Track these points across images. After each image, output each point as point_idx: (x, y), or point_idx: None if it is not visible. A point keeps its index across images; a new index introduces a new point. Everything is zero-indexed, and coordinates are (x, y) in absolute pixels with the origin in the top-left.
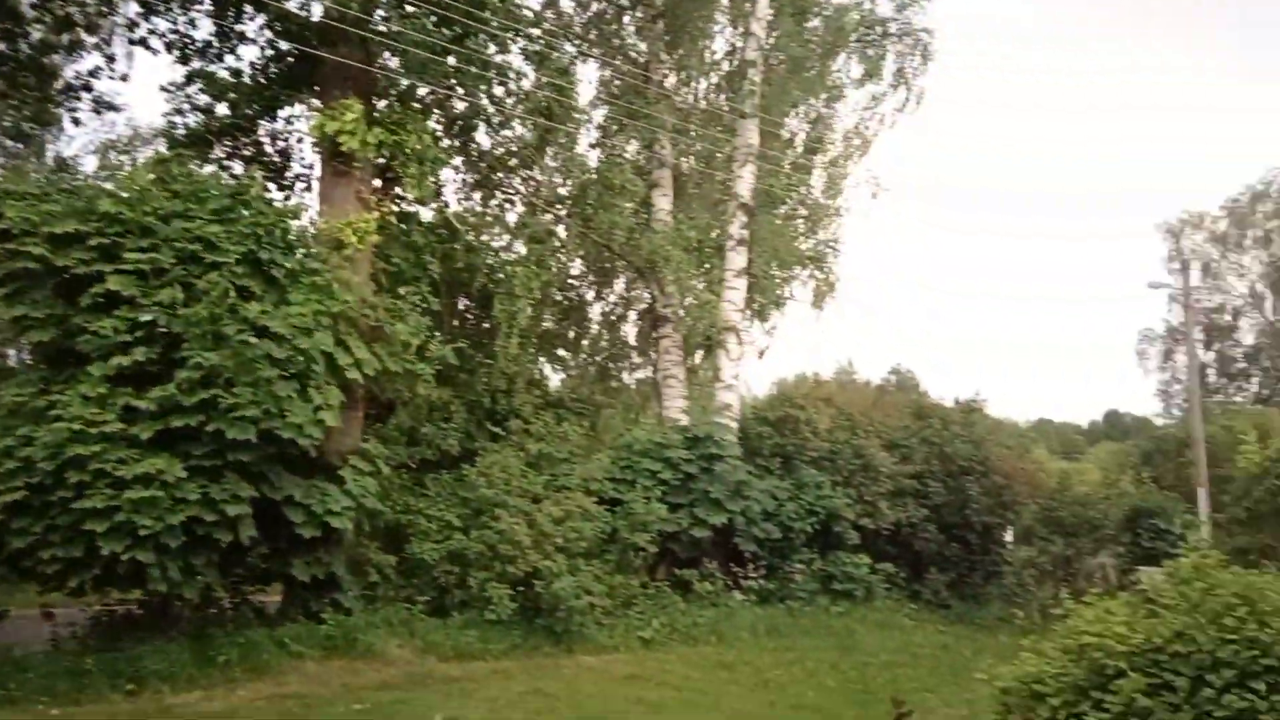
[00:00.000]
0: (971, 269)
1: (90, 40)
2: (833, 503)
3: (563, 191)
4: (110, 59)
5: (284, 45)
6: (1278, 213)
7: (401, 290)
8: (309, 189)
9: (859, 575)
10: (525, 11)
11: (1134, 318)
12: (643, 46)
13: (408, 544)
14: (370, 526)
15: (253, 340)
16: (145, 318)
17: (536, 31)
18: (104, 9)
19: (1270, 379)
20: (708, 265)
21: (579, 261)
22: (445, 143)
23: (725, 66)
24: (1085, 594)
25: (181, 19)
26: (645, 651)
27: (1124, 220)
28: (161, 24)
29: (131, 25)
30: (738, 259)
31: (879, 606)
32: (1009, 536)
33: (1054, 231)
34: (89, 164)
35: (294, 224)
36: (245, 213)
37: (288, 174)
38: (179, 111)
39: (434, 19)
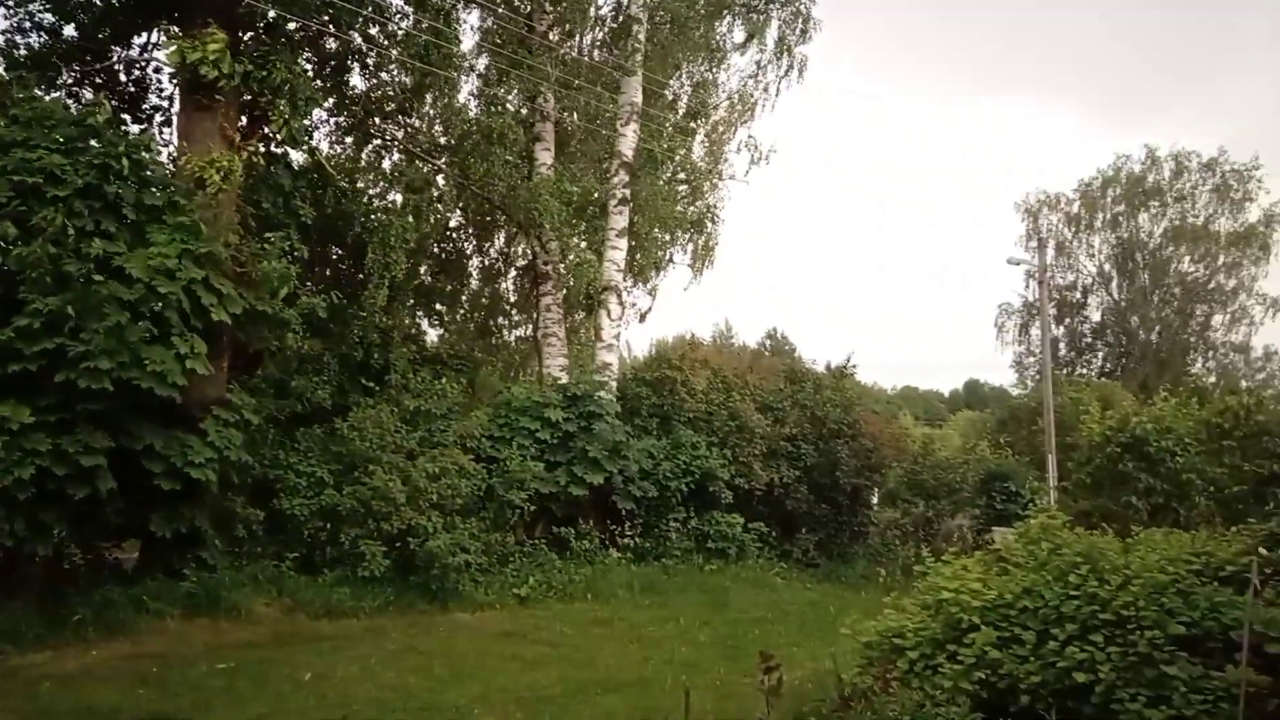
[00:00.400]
0: (848, 240)
1: None
2: (708, 463)
3: (442, 141)
4: None
5: None
6: (1124, 197)
7: (269, 235)
8: (168, 124)
9: (732, 534)
10: None
11: (995, 293)
12: None
13: (276, 499)
14: (236, 480)
15: (99, 280)
16: None
17: None
18: None
19: (1114, 354)
20: (590, 224)
21: (458, 214)
22: (317, 83)
23: (610, 23)
24: (944, 553)
25: None
26: (521, 608)
27: (991, 199)
28: None
29: None
30: (620, 218)
31: (751, 565)
32: (875, 498)
33: (925, 206)
34: None
35: (149, 158)
36: (94, 144)
37: (144, 106)
38: (20, 29)
39: None
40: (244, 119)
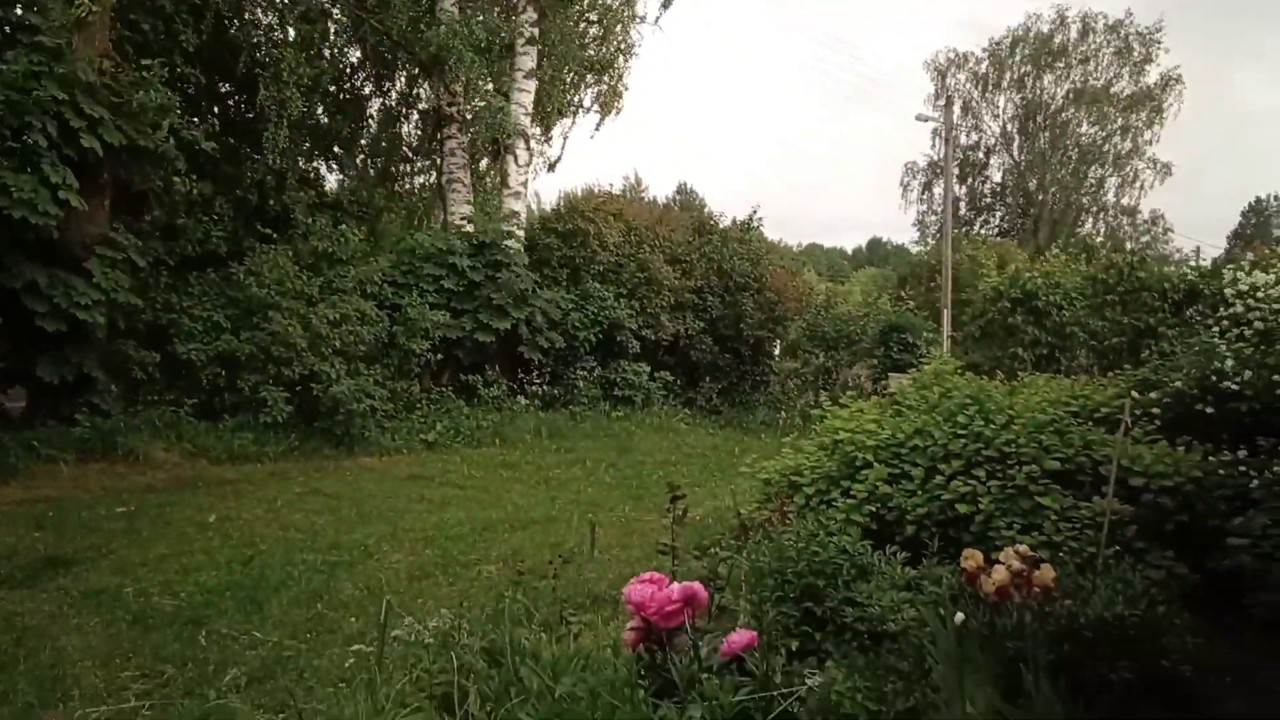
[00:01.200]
0: (760, 95)
1: None
2: (616, 314)
3: None
4: None
5: None
6: (1031, 58)
7: (147, 62)
8: None
9: (639, 383)
10: None
11: (904, 154)
12: None
13: (171, 344)
14: (124, 326)
15: None
16: None
17: None
18: None
19: (1012, 214)
20: (496, 64)
21: (356, 52)
22: None
23: None
24: (841, 400)
25: None
26: (428, 453)
27: (904, 56)
28: None
29: None
30: (527, 59)
31: (656, 412)
32: (777, 350)
33: (841, 64)
34: None
35: None
36: None
37: None
38: None
39: None
40: None
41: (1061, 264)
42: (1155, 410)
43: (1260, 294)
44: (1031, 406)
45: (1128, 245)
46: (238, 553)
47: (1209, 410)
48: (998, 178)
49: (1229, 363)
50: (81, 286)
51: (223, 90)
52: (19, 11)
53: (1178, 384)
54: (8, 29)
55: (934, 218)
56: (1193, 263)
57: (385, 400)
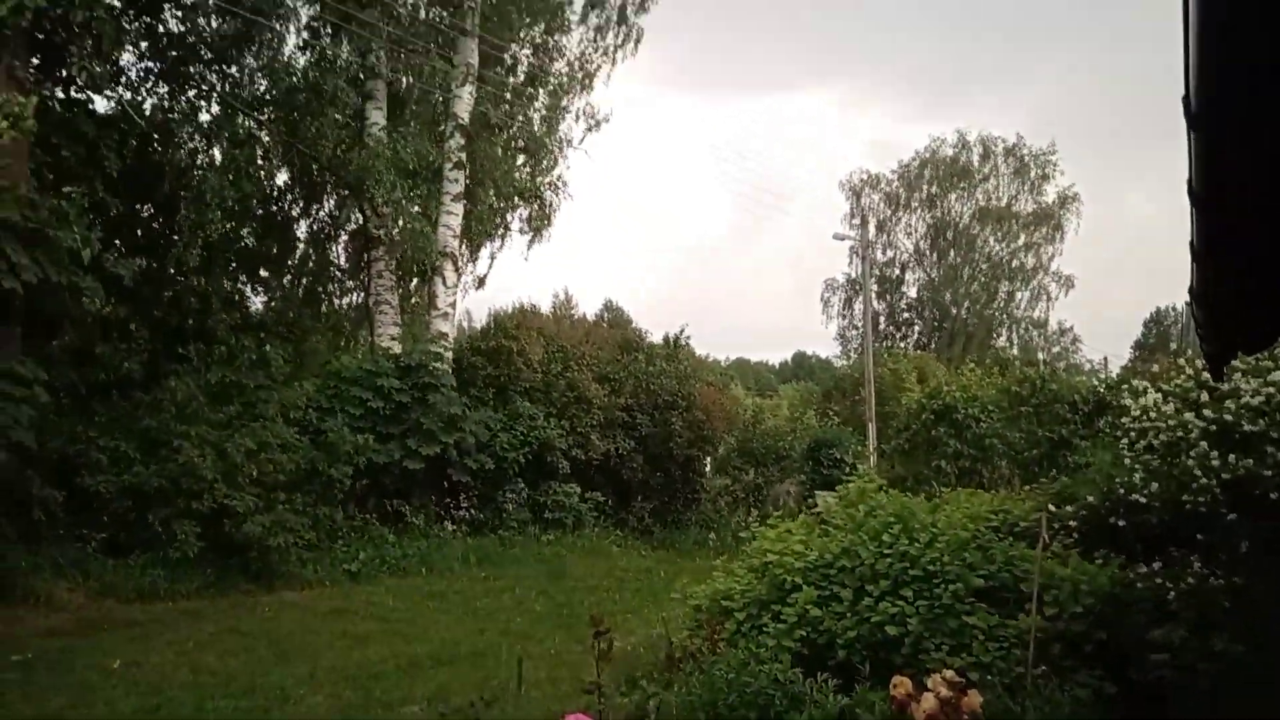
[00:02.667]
0: (684, 215)
1: None
2: (546, 434)
3: (266, 94)
4: None
5: None
6: (938, 178)
7: (68, 189)
8: None
9: (570, 504)
10: None
11: (824, 270)
12: None
13: (78, 476)
14: (28, 460)
15: None
16: None
17: None
18: None
19: (929, 328)
20: (424, 188)
21: (284, 174)
22: (126, 23)
23: None
24: (770, 518)
25: None
26: (352, 585)
27: (821, 181)
28: None
29: None
30: (455, 184)
31: (588, 534)
32: (708, 467)
33: (757, 187)
34: None
35: None
36: None
37: None
38: None
39: None
40: (38, 58)
41: (978, 378)
42: (1072, 523)
43: (1155, 412)
44: (954, 523)
45: (1040, 356)
46: (144, 701)
47: (1121, 523)
48: (914, 293)
49: (1137, 475)
50: None
51: (144, 212)
52: None
53: (1090, 497)
54: None
55: (855, 332)
56: (1101, 374)
57: (306, 530)
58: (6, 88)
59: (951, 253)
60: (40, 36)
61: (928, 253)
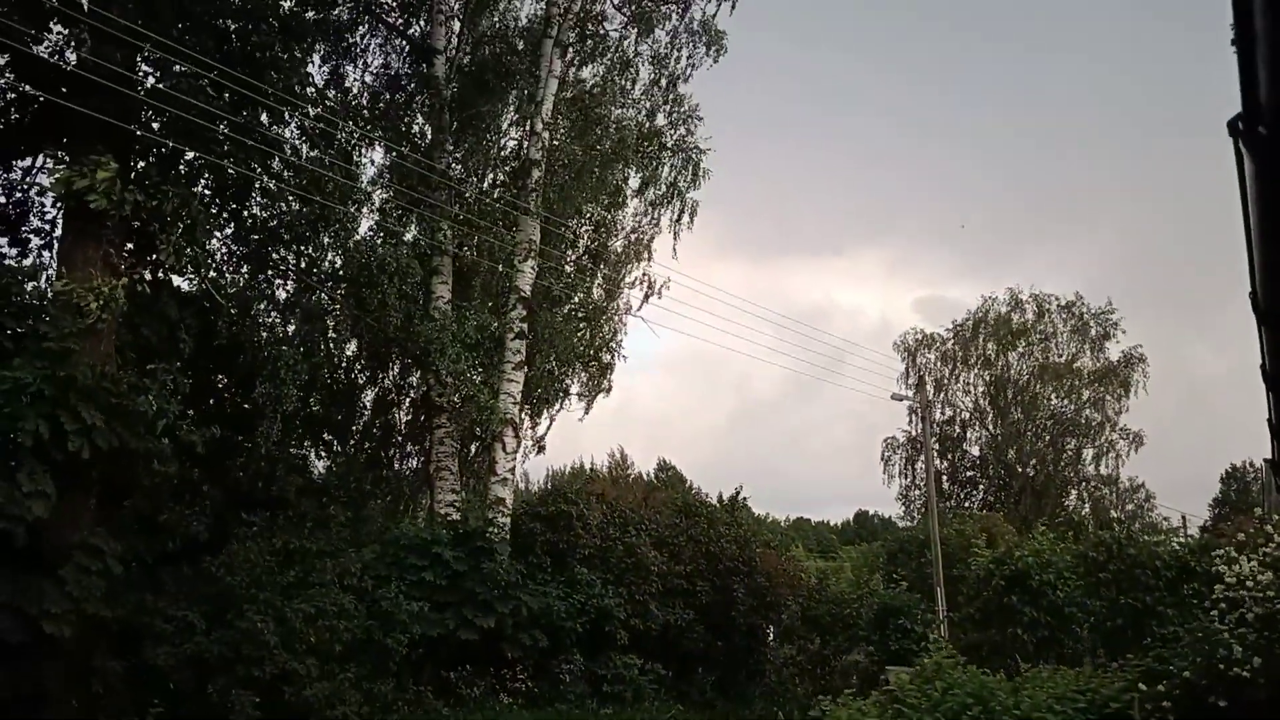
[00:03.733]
0: (740, 371)
1: None
2: (604, 603)
3: (339, 271)
4: None
5: (28, 89)
6: (994, 337)
7: (149, 367)
8: (48, 248)
9: (628, 676)
10: (308, 89)
11: (882, 426)
12: (429, 133)
13: (141, 647)
14: (95, 629)
15: None
16: None
17: (316, 111)
18: None
19: (995, 487)
20: (486, 357)
21: (352, 345)
22: (214, 210)
23: (510, 163)
24: (840, 692)
25: None
26: None
27: (872, 338)
28: None
29: None
30: (516, 351)
31: (647, 708)
32: (771, 635)
33: (813, 346)
34: None
35: (29, 287)
36: None
37: (23, 229)
38: None
39: (206, 82)
40: (131, 244)
41: (1050, 541)
42: (1166, 703)
43: (1251, 582)
44: (1039, 704)
45: (1112, 513)
46: None
47: (1222, 702)
48: (976, 451)
49: (1236, 649)
50: (53, 595)
51: (219, 383)
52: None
53: (1186, 673)
54: (17, 331)
55: (918, 492)
56: (1181, 536)
57: (359, 704)
58: (101, 272)
59: (1013, 410)
60: (135, 224)
61: (988, 410)
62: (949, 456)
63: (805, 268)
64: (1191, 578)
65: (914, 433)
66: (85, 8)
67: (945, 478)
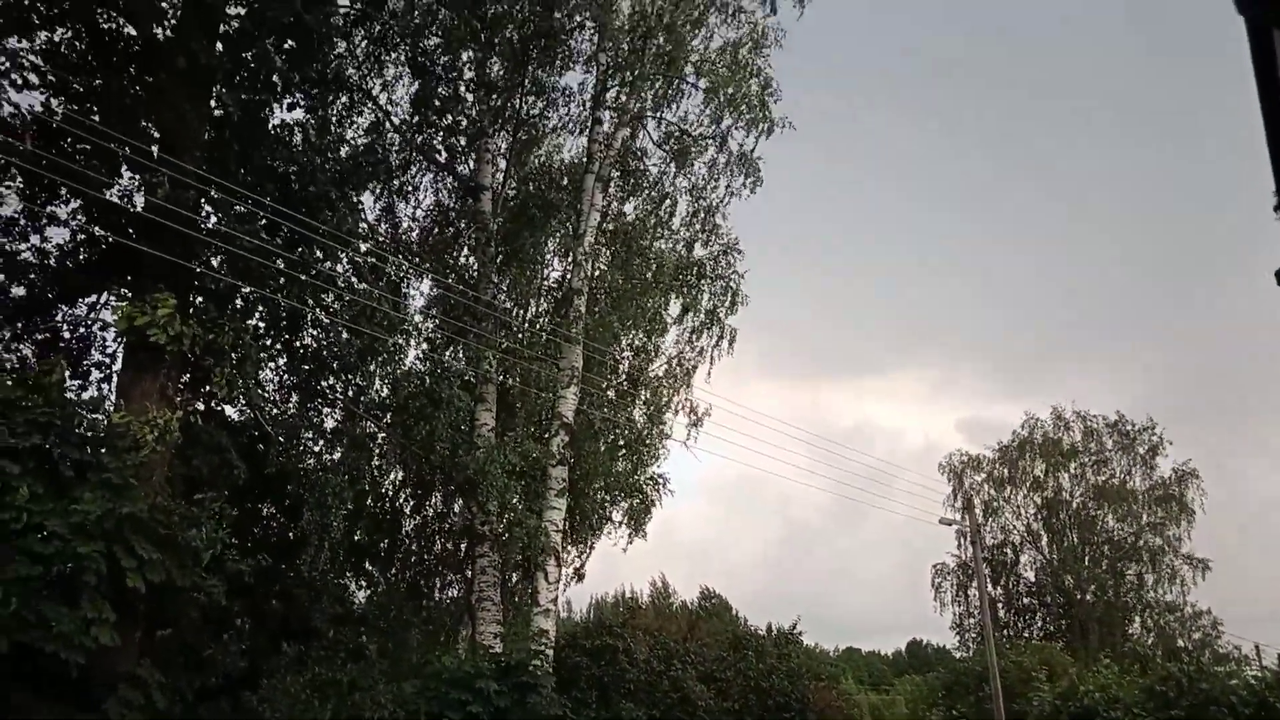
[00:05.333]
0: (781, 496)
1: None
2: None
3: (386, 400)
4: None
5: (97, 231)
6: (1042, 457)
7: (199, 495)
8: (108, 380)
9: None
10: (361, 226)
11: (930, 551)
12: (475, 266)
13: None
14: None
15: (17, 532)
16: None
17: (367, 246)
18: None
19: (1053, 614)
20: (529, 484)
21: (397, 473)
22: (267, 342)
23: (554, 292)
24: None
25: None
26: None
27: (915, 460)
28: None
29: None
30: (559, 479)
31: None
32: None
33: (850, 472)
34: None
35: (90, 418)
36: (35, 400)
37: (85, 361)
38: None
39: (263, 222)
40: (186, 376)
41: (1115, 675)
42: None
43: None
44: None
45: (1179, 642)
46: None
47: None
48: (1031, 576)
49: None
50: None
51: (265, 512)
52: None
53: None
54: (78, 462)
55: (973, 620)
56: (1254, 668)
57: None
58: (157, 404)
59: (1068, 533)
60: (191, 357)
61: (1041, 534)
62: (1003, 582)
63: (845, 388)
64: (1272, 715)
65: (964, 557)
66: (155, 154)
67: (1000, 605)
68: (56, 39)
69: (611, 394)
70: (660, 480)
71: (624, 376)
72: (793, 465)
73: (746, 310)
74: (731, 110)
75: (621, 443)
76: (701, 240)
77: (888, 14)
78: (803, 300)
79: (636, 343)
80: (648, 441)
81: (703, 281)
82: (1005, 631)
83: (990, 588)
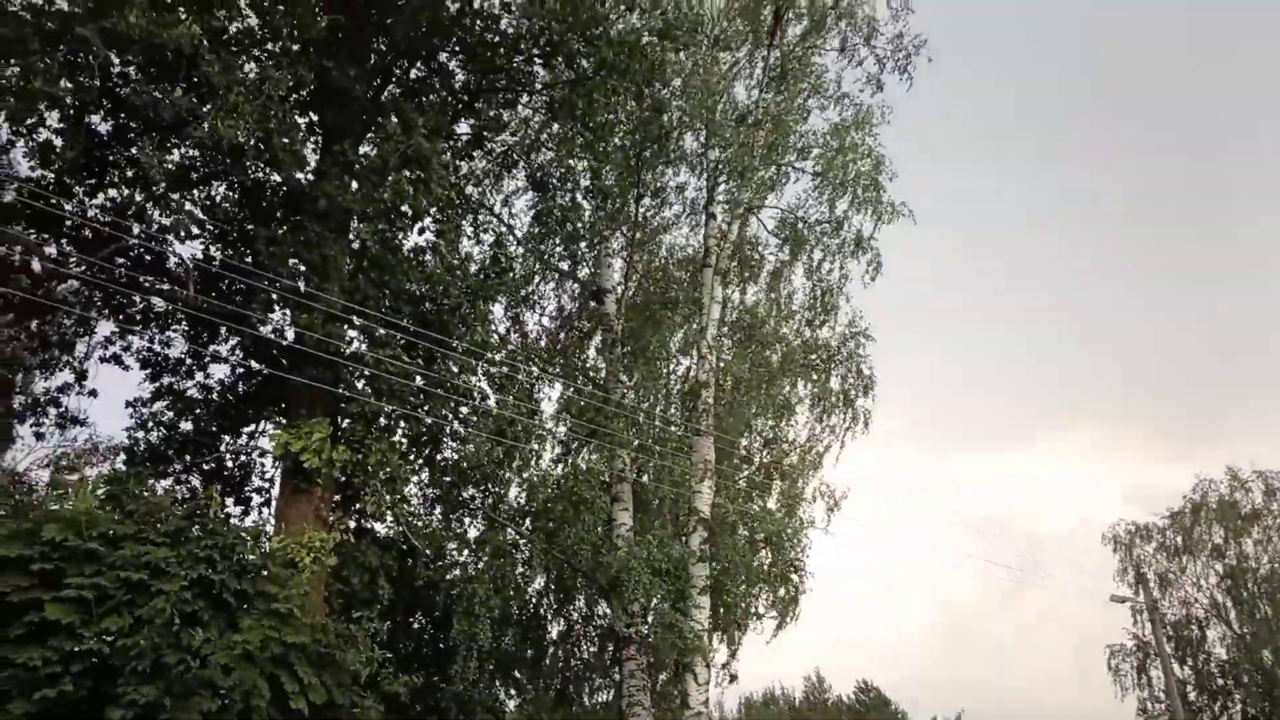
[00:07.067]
0: (931, 577)
1: (63, 358)
2: None
3: (525, 506)
4: (81, 376)
5: (254, 364)
6: (1220, 521)
7: (355, 615)
8: (267, 504)
9: None
10: (492, 337)
11: (1101, 630)
12: (603, 367)
13: None
14: None
15: (194, 670)
16: (82, 647)
17: (500, 356)
18: (80, 330)
19: (1254, 695)
20: (672, 583)
21: (540, 579)
22: (409, 457)
23: (680, 385)
24: None
25: (158, 337)
26: None
27: (1074, 533)
28: (136, 342)
29: (106, 343)
30: (702, 576)
31: None
32: None
33: (1011, 539)
34: (41, 476)
35: (252, 546)
36: (198, 533)
37: (245, 489)
38: (142, 426)
39: (402, 343)
40: (338, 496)
41: None
42: None
43: None
44: None
45: None
46: None
47: None
48: (1223, 654)
49: None
50: None
51: (416, 625)
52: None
53: None
54: (248, 593)
55: (1159, 704)
56: None
57: None
58: (314, 525)
59: (1259, 604)
60: (341, 478)
61: (1228, 606)
62: (1190, 662)
63: (992, 462)
64: None
65: (1142, 635)
66: (302, 289)
67: (1190, 687)
68: (213, 193)
69: (746, 484)
70: (803, 569)
71: (757, 466)
72: (941, 543)
73: (881, 386)
74: (844, 193)
75: (761, 535)
76: (826, 323)
77: (1010, 77)
78: (940, 372)
79: (767, 431)
80: (787, 530)
81: (831, 364)
82: (1200, 717)
83: (1176, 669)
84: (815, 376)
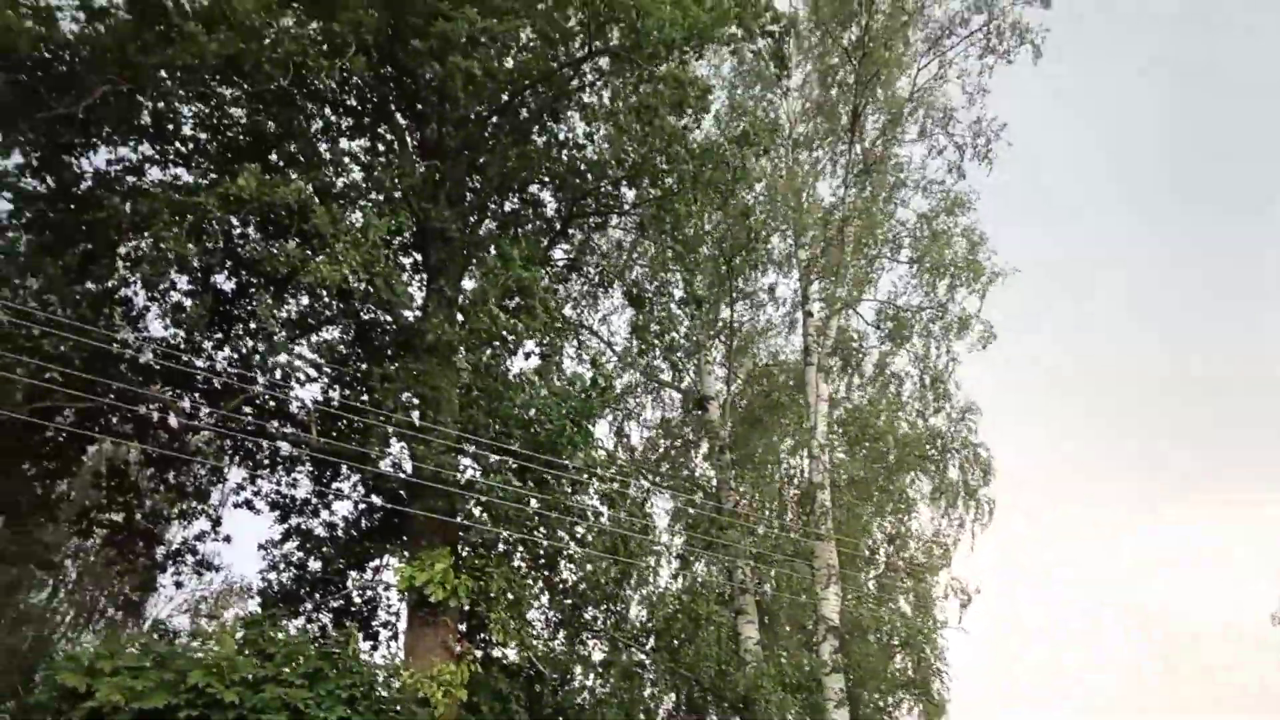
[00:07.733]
0: (1090, 667)
1: (199, 507)
2: None
3: (648, 625)
4: (216, 522)
5: (375, 499)
6: None
7: None
8: (395, 637)
9: None
10: (599, 453)
11: None
12: (713, 475)
13: None
14: None
15: None
16: None
17: (609, 473)
18: (215, 478)
19: None
20: (807, 696)
21: (668, 698)
22: (529, 581)
23: (794, 488)
24: None
25: (285, 480)
26: None
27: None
28: (265, 485)
29: (238, 488)
30: (834, 687)
31: None
32: None
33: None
34: (181, 622)
35: (387, 681)
36: (333, 672)
37: (373, 623)
38: (274, 568)
39: (513, 467)
40: (464, 625)
41: None
42: None
43: None
44: None
45: None
46: None
47: None
48: None
49: None
50: None
51: None
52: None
53: None
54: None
55: None
56: None
57: None
58: (442, 656)
59: None
60: (465, 608)
61: None
62: None
63: (1129, 541)
64: None
65: None
66: (416, 423)
67: None
68: (329, 338)
69: (871, 585)
70: (944, 672)
71: (885, 567)
72: (1095, 632)
73: (997, 461)
74: (943, 275)
75: (893, 639)
76: (939, 411)
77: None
78: (1071, 442)
79: (889, 528)
80: (922, 632)
81: (947, 455)
82: None
83: None
84: (933, 468)
